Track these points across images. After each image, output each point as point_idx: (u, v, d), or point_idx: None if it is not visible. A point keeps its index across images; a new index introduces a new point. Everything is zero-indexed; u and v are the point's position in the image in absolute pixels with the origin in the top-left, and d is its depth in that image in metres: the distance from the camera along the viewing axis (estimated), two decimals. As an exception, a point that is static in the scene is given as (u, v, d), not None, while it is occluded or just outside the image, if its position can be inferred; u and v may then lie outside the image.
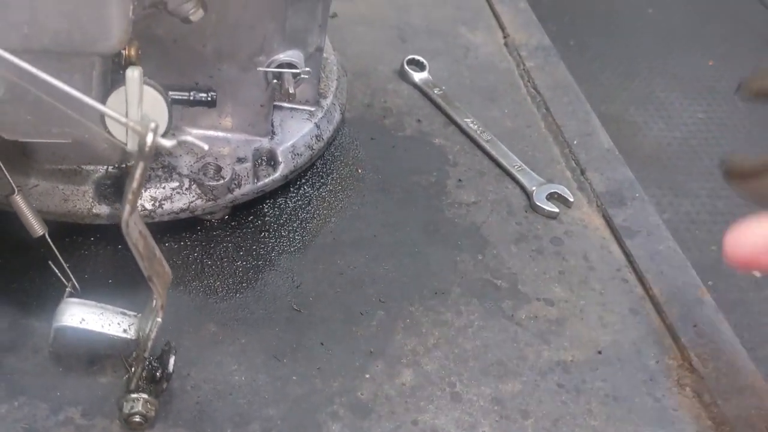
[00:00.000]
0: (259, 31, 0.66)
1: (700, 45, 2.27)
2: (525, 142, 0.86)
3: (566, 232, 0.77)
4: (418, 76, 0.92)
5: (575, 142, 0.86)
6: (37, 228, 0.59)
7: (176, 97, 0.54)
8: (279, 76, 0.68)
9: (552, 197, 0.79)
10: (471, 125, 0.86)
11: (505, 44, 1.02)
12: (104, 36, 0.47)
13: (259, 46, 0.67)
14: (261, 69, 0.68)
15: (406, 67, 0.92)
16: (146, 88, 0.49)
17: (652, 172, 1.86)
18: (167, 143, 0.39)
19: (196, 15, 0.58)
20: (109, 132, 0.50)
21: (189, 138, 0.40)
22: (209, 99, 0.56)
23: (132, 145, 0.48)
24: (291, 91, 0.67)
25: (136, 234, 0.46)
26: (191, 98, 0.55)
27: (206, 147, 0.40)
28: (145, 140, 0.39)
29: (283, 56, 0.68)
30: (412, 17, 1.03)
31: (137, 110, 0.47)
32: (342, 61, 0.87)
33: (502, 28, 1.04)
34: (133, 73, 0.47)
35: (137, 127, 0.39)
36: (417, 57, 0.93)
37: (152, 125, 0.39)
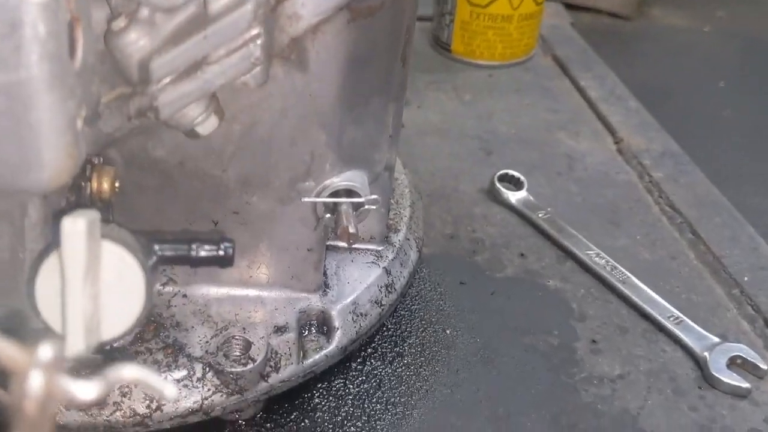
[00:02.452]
0: (304, 147, 0.46)
1: None
2: (674, 281, 0.62)
3: None
4: (513, 196, 0.70)
5: (745, 278, 0.62)
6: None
7: (167, 253, 0.33)
8: (334, 209, 0.48)
9: (734, 363, 0.54)
10: (595, 259, 0.63)
11: (619, 151, 0.80)
12: (32, 164, 0.27)
13: (305, 168, 0.46)
14: (307, 200, 0.47)
15: (498, 185, 0.71)
16: (107, 244, 0.29)
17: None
18: (89, 389, 0.17)
19: (207, 126, 0.38)
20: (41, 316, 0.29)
21: (133, 373, 0.18)
22: (221, 254, 0.35)
23: (76, 347, 0.27)
24: (351, 230, 0.46)
25: None
26: (192, 254, 0.34)
27: (172, 393, 0.18)
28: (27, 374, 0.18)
29: (339, 180, 0.48)
30: (497, 124, 0.83)
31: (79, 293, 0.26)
32: (415, 182, 0.66)
33: (612, 131, 0.83)
34: (75, 227, 0.26)
35: (16, 356, 0.17)
36: (510, 172, 0.72)
37: (43, 351, 0.17)
